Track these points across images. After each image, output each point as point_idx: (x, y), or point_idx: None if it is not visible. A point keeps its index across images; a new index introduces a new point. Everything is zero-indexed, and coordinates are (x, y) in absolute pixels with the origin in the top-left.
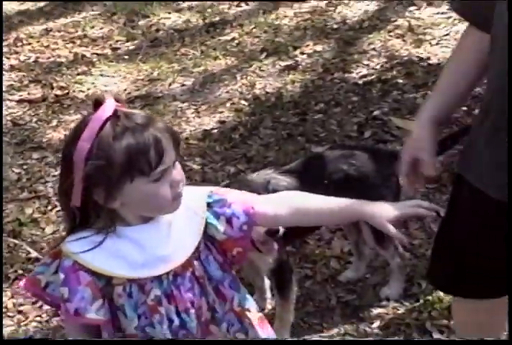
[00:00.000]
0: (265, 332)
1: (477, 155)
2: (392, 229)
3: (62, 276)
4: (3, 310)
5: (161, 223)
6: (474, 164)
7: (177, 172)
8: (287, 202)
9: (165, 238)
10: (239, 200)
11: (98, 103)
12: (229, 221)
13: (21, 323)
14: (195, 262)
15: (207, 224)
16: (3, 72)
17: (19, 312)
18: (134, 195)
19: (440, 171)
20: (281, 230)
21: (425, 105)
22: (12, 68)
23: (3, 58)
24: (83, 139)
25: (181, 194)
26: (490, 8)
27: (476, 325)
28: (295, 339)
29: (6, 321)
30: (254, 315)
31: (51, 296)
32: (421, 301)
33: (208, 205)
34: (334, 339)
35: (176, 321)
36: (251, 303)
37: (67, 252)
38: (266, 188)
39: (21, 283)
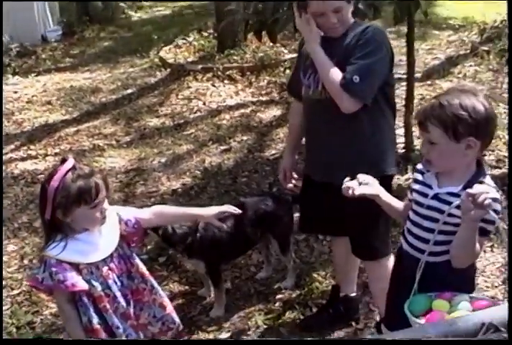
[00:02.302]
0: (150, 277)
1: (307, 161)
2: (214, 221)
3: (54, 269)
4: None
5: (95, 231)
6: (307, 165)
7: (105, 204)
8: (156, 210)
9: (100, 238)
10: (127, 211)
11: (64, 160)
12: (126, 223)
13: None
14: (118, 247)
15: None
16: (52, 157)
17: None
18: (80, 215)
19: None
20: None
21: (285, 147)
22: (56, 154)
23: (52, 149)
24: (54, 180)
25: (106, 216)
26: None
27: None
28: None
29: (51, 304)
30: (145, 269)
31: (45, 286)
32: (306, 289)
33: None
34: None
35: (118, 282)
36: (143, 266)
37: (50, 256)
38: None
39: (28, 282)
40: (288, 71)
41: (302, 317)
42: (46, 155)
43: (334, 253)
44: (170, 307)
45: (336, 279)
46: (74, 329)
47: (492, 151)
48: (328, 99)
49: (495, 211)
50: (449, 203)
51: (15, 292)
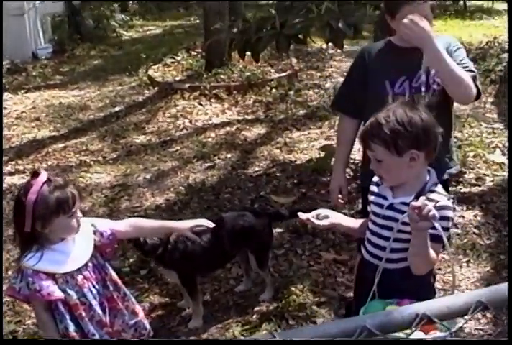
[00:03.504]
0: (122, 285)
1: (363, 174)
2: (189, 233)
3: (30, 279)
4: None
5: (70, 241)
6: (362, 179)
7: (79, 212)
8: (132, 223)
9: (75, 248)
10: (102, 223)
11: (35, 173)
12: (101, 234)
13: None
14: (92, 257)
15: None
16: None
17: None
18: (58, 224)
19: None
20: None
21: (335, 165)
22: (44, 169)
23: (40, 164)
24: (31, 193)
25: (80, 224)
26: (358, 103)
27: None
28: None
29: (33, 314)
30: (117, 278)
31: (22, 295)
32: (283, 302)
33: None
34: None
35: (94, 290)
36: (115, 275)
37: (26, 266)
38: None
39: (6, 291)
40: (274, 90)
41: (278, 329)
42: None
43: None
44: (141, 314)
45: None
46: (51, 336)
47: (472, 169)
48: (436, 100)
49: (447, 218)
50: (403, 212)
51: None
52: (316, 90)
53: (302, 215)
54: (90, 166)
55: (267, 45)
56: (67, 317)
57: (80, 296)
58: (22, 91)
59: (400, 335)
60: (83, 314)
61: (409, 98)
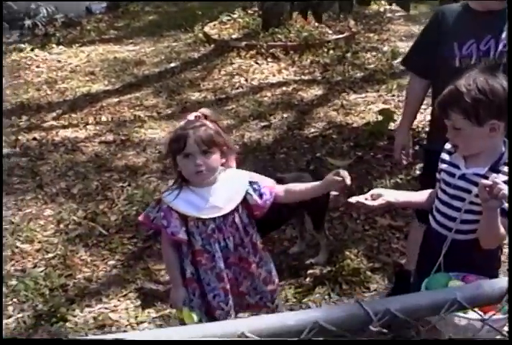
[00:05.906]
0: (261, 252)
1: (431, 137)
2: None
3: (162, 214)
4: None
5: (214, 188)
6: (430, 142)
7: (205, 159)
8: (286, 188)
9: (216, 197)
10: (267, 184)
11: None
12: (260, 195)
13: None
14: (235, 212)
15: (246, 193)
16: (93, 126)
17: (94, 265)
18: (179, 163)
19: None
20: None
21: (401, 123)
22: (97, 123)
23: (93, 118)
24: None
25: (202, 172)
26: (428, 64)
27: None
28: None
29: (84, 269)
30: (259, 243)
31: (155, 225)
32: (337, 266)
33: (250, 183)
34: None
35: (222, 243)
36: (258, 238)
37: (164, 201)
38: None
39: (140, 218)
40: (331, 52)
41: (331, 293)
42: (87, 124)
43: (413, 235)
44: (272, 287)
45: (407, 262)
46: (172, 271)
47: None
48: (505, 64)
49: None
50: (476, 184)
51: (50, 255)
52: (374, 53)
53: (351, 199)
54: (145, 121)
55: (330, 6)
56: (189, 258)
57: (206, 244)
58: (77, 45)
59: (459, 314)
60: (203, 261)
61: (476, 60)
